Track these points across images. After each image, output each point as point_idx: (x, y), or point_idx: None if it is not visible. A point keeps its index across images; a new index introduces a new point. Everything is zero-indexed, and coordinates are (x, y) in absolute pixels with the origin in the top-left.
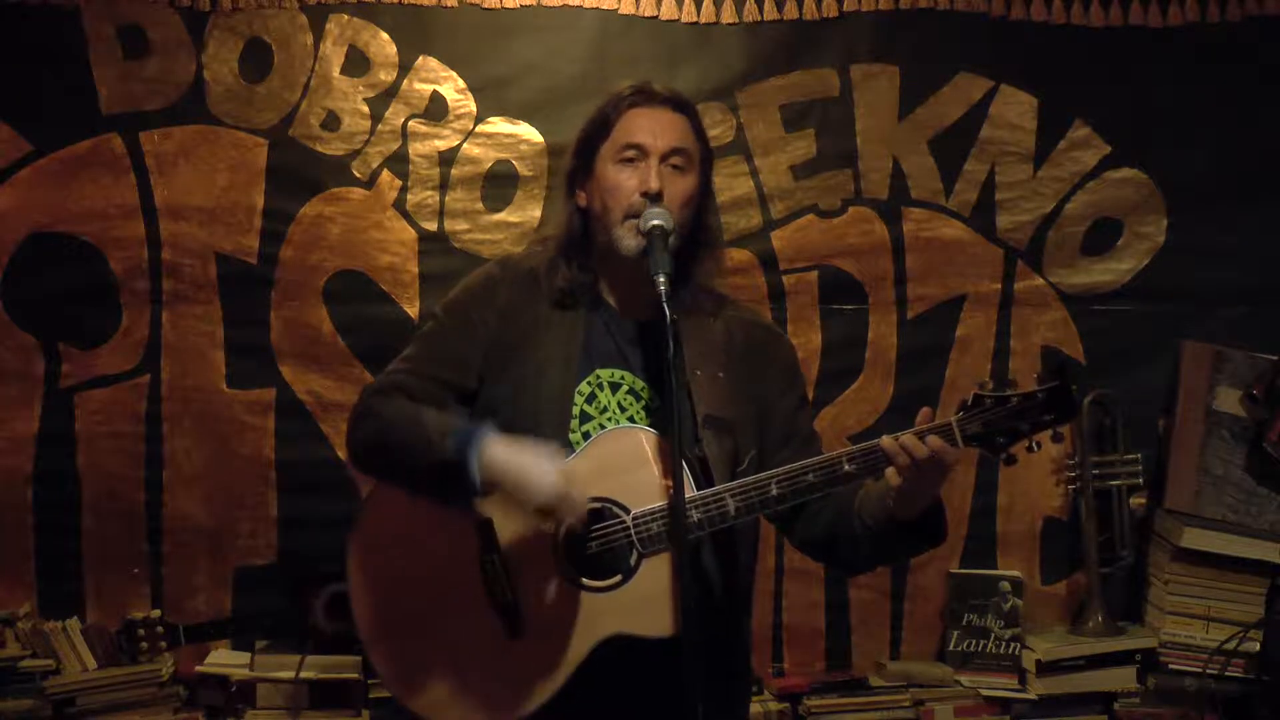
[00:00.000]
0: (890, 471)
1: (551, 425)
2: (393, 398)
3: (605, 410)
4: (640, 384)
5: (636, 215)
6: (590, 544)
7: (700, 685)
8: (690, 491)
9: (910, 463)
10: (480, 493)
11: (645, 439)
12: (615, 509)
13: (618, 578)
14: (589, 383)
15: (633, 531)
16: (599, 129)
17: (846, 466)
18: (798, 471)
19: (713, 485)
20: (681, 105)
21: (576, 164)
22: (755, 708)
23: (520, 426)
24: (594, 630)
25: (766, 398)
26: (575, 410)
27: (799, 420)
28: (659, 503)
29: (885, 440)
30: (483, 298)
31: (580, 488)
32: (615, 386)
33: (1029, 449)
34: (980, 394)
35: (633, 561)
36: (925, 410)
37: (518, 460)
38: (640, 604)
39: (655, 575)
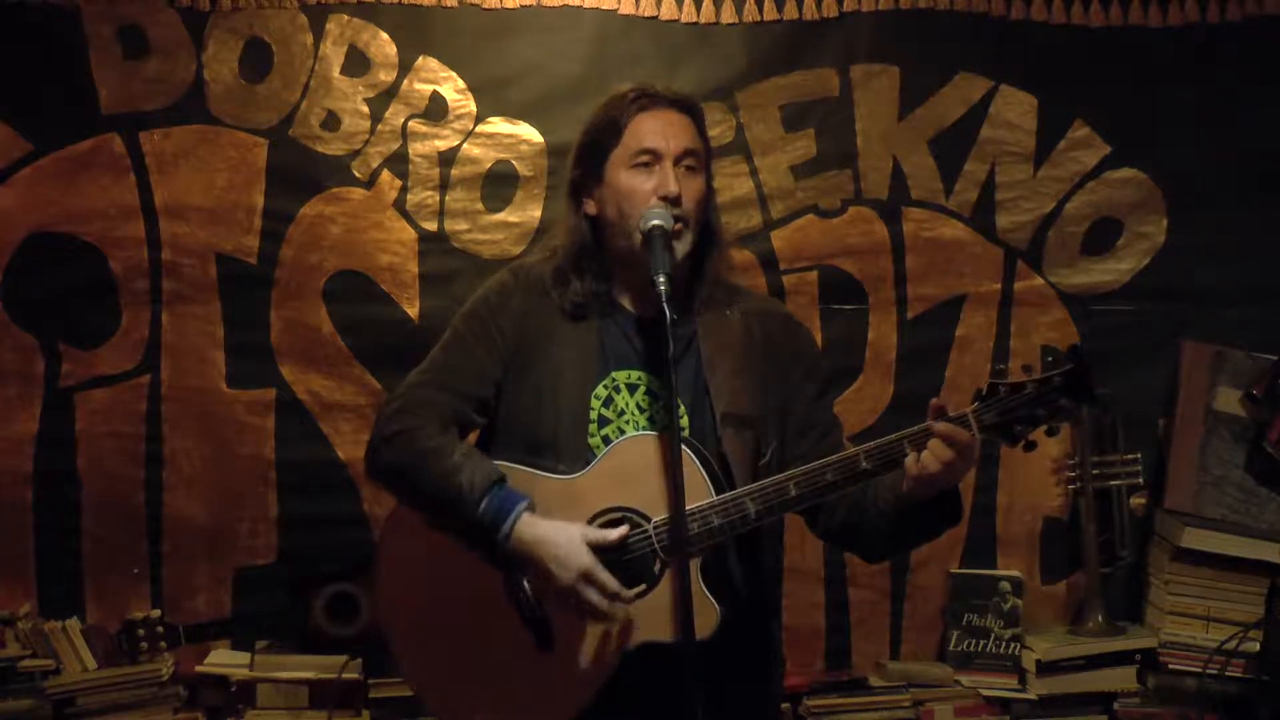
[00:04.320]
0: (909, 460)
1: (570, 430)
2: (419, 423)
3: (623, 413)
4: (658, 384)
5: None
6: (614, 555)
7: (700, 689)
8: (710, 494)
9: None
10: (503, 565)
11: (662, 445)
12: (637, 518)
13: (642, 586)
14: (606, 386)
15: (654, 540)
16: (608, 135)
17: (864, 464)
18: (815, 470)
19: (733, 484)
20: (686, 105)
21: (583, 172)
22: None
23: (540, 434)
24: (622, 640)
25: (786, 389)
26: (593, 414)
27: (819, 410)
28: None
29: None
30: (499, 307)
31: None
32: (633, 388)
33: (1047, 433)
34: (995, 383)
35: (656, 570)
36: (936, 402)
37: (549, 544)
38: (666, 611)
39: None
